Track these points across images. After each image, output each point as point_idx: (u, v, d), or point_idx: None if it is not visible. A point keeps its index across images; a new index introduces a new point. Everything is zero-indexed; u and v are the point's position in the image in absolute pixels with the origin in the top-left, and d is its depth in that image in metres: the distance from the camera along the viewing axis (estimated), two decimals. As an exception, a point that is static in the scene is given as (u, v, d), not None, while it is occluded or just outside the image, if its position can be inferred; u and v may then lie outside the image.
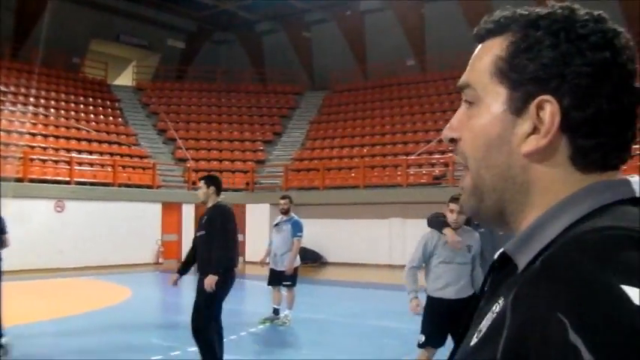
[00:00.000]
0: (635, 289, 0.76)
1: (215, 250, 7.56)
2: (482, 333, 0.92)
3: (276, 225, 12.30)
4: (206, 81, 37.05)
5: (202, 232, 7.79)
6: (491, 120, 1.02)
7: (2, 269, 9.27)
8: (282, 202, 12.27)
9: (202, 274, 7.69)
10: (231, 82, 36.95)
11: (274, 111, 35.15)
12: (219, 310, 7.77)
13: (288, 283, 12.05)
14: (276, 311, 12.31)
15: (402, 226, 24.55)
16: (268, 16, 36.60)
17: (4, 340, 9.54)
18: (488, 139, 1.02)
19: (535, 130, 0.98)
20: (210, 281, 7.44)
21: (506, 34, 1.03)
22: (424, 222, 6.97)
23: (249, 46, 39.15)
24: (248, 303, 15.98)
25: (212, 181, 8.00)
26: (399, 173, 25.98)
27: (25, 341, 10.84)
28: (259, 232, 25.38)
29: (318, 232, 24.51)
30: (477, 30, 1.09)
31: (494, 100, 1.02)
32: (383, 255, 25.15)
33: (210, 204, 7.88)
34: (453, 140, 1.09)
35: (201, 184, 7.98)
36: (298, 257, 12.20)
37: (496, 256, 1.02)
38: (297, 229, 11.93)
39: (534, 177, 1.00)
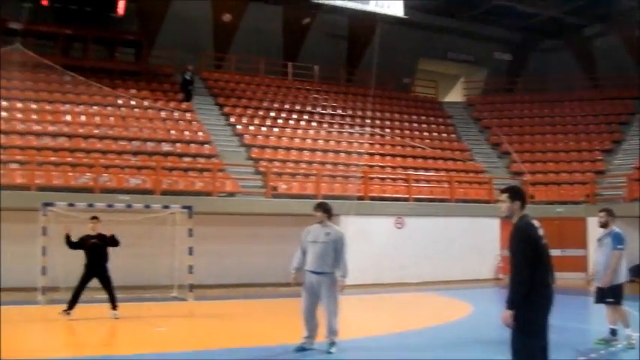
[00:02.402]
0: None
1: (510, 279, 6.87)
2: None
3: (598, 240, 11.35)
4: (537, 91, 35.95)
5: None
6: None
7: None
8: (600, 214, 11.32)
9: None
10: (562, 91, 35.50)
11: (612, 118, 33.10)
12: (541, 335, 6.72)
13: (610, 300, 11.01)
14: (613, 332, 11.28)
15: None
16: (597, 18, 34.62)
17: None
18: None
19: None
20: (503, 317, 6.59)
21: None
22: None
23: (578, 52, 37.30)
24: (595, 322, 14.90)
25: (516, 194, 7.01)
26: None
27: (365, 354, 11.04)
28: (602, 245, 23.89)
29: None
30: None
31: None
32: None
33: (515, 219, 6.90)
34: None
35: (504, 197, 6.97)
36: (625, 272, 11.11)
37: None
38: (617, 241, 10.90)
39: None
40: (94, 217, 14.77)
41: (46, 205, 17.39)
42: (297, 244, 10.70)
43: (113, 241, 14.67)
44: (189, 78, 28.49)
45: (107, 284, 14.41)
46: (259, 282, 22.11)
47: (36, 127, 24.18)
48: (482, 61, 38.54)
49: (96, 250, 14.31)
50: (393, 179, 26.76)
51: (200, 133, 26.30)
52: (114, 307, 14.42)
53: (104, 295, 17.15)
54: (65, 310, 14.09)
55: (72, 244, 14.50)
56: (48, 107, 25.69)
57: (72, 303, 14.19)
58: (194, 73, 29.00)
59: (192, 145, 25.41)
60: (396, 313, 17.45)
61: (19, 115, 24.76)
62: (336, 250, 10.38)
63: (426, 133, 31.98)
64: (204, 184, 22.81)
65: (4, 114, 24.46)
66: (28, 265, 17.86)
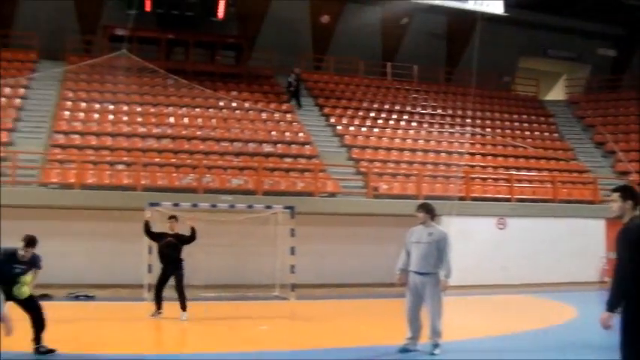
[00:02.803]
0: None
1: (612, 281, 6.62)
2: None
3: None
4: (644, 88, 34.85)
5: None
6: None
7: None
8: None
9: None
10: (672, 87, 34.26)
11: None
12: None
13: None
14: None
15: None
16: None
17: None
18: None
19: None
20: (602, 319, 6.37)
21: None
22: None
23: (690, 45, 36.02)
24: None
25: (629, 193, 6.77)
26: None
27: (469, 356, 10.93)
28: None
29: None
30: None
31: None
32: None
33: (625, 219, 6.67)
34: None
35: (615, 196, 6.78)
36: None
37: None
38: None
39: None
40: (172, 217, 14.90)
41: (152, 205, 17.85)
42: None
43: (191, 237, 14.67)
44: (292, 81, 28.77)
45: (179, 284, 14.32)
46: (360, 282, 22.19)
47: (141, 130, 24.93)
48: (585, 58, 37.64)
49: (171, 249, 14.40)
50: (495, 179, 26.42)
51: (301, 134, 26.62)
52: (183, 309, 14.20)
53: (209, 294, 17.59)
54: (156, 312, 14.33)
55: (148, 232, 14.80)
56: (152, 110, 26.48)
57: (157, 303, 14.39)
58: (298, 76, 29.24)
59: (293, 145, 25.74)
60: (499, 315, 17.23)
61: (125, 118, 25.60)
62: (439, 250, 10.33)
63: (527, 133, 31.46)
64: (306, 185, 23.05)
65: (111, 117, 25.41)
66: (135, 262, 18.41)
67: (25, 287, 9.99)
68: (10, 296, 9.79)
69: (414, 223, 10.70)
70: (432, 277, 10.31)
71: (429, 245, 10.32)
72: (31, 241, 10.11)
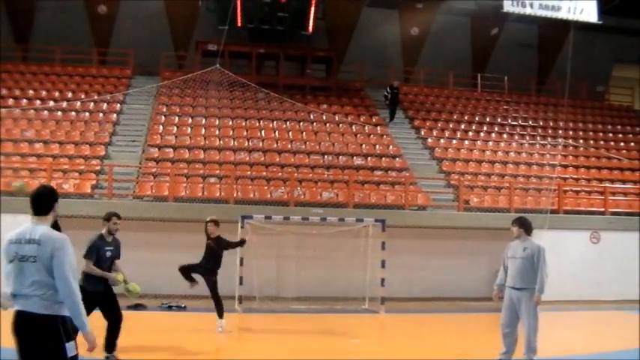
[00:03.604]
0: None
1: None
2: None
3: None
4: None
5: None
6: None
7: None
8: None
9: None
10: None
11: None
12: None
13: None
14: None
15: None
16: None
17: None
18: None
19: None
20: None
21: None
22: None
23: None
24: None
25: None
26: None
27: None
28: None
29: None
30: None
31: None
32: None
33: None
34: None
35: None
36: None
37: None
38: None
39: None
40: (211, 220, 14.41)
41: (244, 217, 18.12)
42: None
43: (233, 243, 14.59)
44: (386, 93, 28.65)
45: (212, 290, 14.10)
46: (451, 296, 21.96)
47: (233, 143, 25.36)
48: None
49: (208, 253, 14.18)
50: (588, 192, 25.81)
51: (391, 147, 26.58)
52: (220, 316, 14.18)
53: (299, 306, 17.71)
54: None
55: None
56: (243, 123, 26.90)
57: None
58: (395, 88, 28.76)
59: (384, 158, 25.71)
60: (596, 332, 16.83)
61: (216, 132, 26.09)
62: (534, 265, 10.22)
63: (622, 144, 30.64)
64: (396, 198, 23.02)
65: (203, 131, 25.93)
66: (226, 274, 18.63)
67: (136, 284, 10.53)
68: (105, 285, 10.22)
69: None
70: (527, 292, 10.20)
71: (523, 260, 10.24)
72: (115, 214, 10.55)
